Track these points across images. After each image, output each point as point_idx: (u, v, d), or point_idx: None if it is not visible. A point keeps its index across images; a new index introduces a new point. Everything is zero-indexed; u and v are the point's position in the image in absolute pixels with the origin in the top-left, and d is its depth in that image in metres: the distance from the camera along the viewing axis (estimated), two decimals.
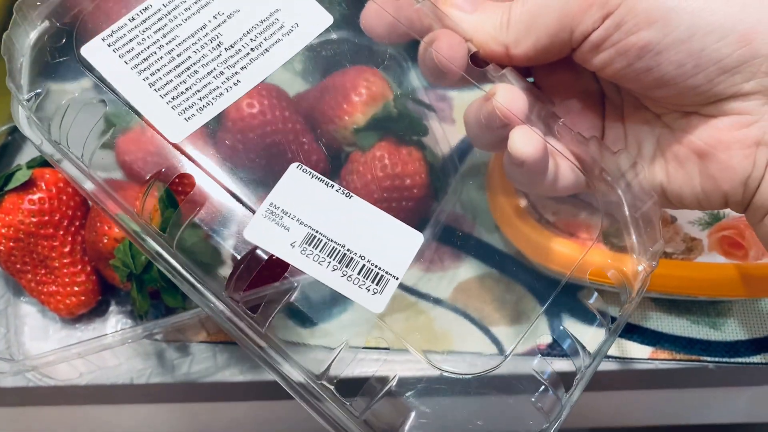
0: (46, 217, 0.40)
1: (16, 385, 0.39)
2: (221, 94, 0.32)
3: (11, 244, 0.40)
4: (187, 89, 0.32)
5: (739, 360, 0.43)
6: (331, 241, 0.31)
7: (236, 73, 0.33)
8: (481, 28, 0.32)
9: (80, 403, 0.44)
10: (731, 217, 0.42)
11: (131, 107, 0.32)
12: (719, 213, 0.43)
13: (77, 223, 0.42)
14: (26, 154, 0.47)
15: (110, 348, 0.38)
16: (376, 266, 0.31)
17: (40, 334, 0.43)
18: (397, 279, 0.31)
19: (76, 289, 0.41)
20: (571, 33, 0.29)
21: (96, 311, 0.43)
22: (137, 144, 0.43)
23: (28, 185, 0.41)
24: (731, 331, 0.43)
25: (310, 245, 0.31)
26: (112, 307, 0.44)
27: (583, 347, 0.32)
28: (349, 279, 0.31)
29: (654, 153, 0.32)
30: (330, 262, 0.31)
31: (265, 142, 0.43)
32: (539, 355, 0.33)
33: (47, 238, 0.41)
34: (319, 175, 0.33)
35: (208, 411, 0.45)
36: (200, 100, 0.32)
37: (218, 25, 0.33)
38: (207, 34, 0.33)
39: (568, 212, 0.40)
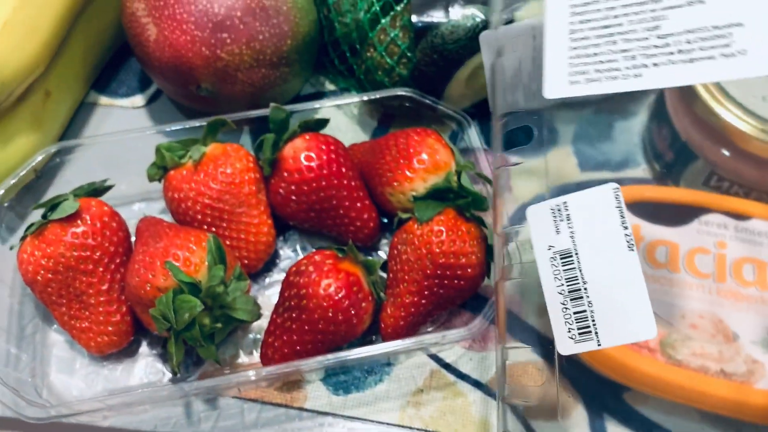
0: (87, 253, 0.39)
1: (37, 415, 0.38)
2: (616, 77, 0.30)
3: (49, 275, 0.39)
4: (593, 54, 0.31)
5: None
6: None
7: (645, 65, 0.30)
8: None
9: None
10: None
11: None
12: None
13: (118, 260, 0.41)
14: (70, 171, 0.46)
15: (137, 404, 0.36)
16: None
17: (66, 366, 0.42)
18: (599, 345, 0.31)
19: (109, 328, 0.40)
20: None
21: (126, 351, 0.42)
22: (189, 182, 0.42)
23: (72, 215, 0.39)
24: None
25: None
26: (143, 348, 0.42)
27: None
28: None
29: None
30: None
31: (319, 196, 0.42)
32: None
33: (86, 274, 0.39)
34: None
35: None
36: (596, 71, 0.30)
37: (670, 7, 0.30)
38: (653, 9, 0.30)
39: None
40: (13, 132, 0.45)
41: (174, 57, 0.44)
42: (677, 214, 0.41)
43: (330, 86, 0.55)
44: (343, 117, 0.52)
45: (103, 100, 0.54)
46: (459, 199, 0.40)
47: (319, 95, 0.54)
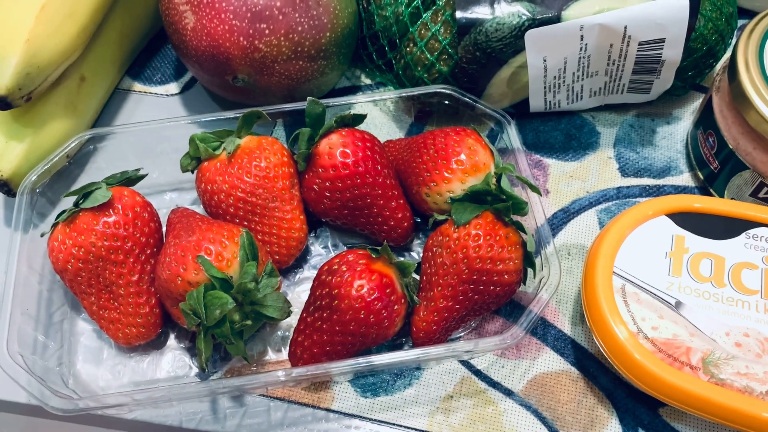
0: (119, 243, 0.39)
1: (63, 407, 0.38)
2: None
3: (79, 264, 0.39)
4: None
5: None
6: None
7: None
8: None
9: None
10: None
11: None
12: None
13: (148, 251, 0.40)
14: (102, 158, 0.46)
15: (163, 399, 0.36)
16: None
17: (92, 356, 0.42)
18: None
19: (138, 320, 0.40)
20: None
21: (153, 343, 0.41)
22: (222, 174, 0.41)
23: (104, 204, 0.39)
24: None
25: None
26: (171, 341, 0.42)
27: None
28: None
29: None
30: None
31: (354, 193, 0.41)
32: None
33: (116, 264, 0.39)
34: None
35: None
36: None
37: None
38: None
39: (668, 329, 0.37)
40: (48, 116, 0.45)
41: (211, 46, 0.43)
42: (724, 227, 0.40)
43: (366, 80, 0.54)
44: (378, 112, 0.51)
45: (138, 86, 0.53)
46: (498, 202, 0.39)
47: (355, 89, 0.53)
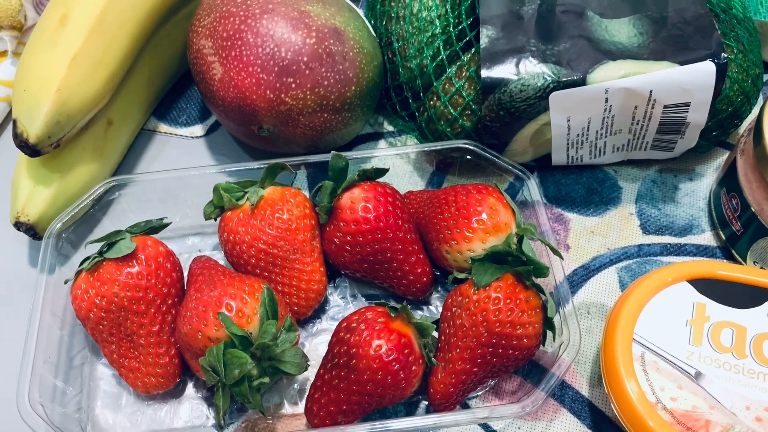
0: (141, 293, 0.39)
1: None
2: None
3: (102, 314, 0.39)
4: None
5: None
6: None
7: None
8: None
9: None
10: None
11: None
12: None
13: (170, 302, 0.40)
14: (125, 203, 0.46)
15: None
16: None
17: (111, 402, 0.42)
18: None
19: (157, 370, 0.40)
20: None
21: (171, 391, 0.42)
22: (245, 225, 0.42)
23: (128, 254, 0.39)
24: None
25: None
26: (189, 390, 0.42)
27: None
28: None
29: None
30: None
31: (374, 248, 0.41)
32: None
33: (138, 314, 0.39)
34: None
35: None
36: None
37: None
38: None
39: (687, 401, 0.36)
40: (75, 161, 0.45)
41: (238, 98, 0.44)
42: (747, 295, 0.39)
43: (389, 127, 0.54)
44: (400, 160, 0.52)
45: (163, 127, 0.54)
46: (518, 263, 0.39)
47: (378, 136, 0.54)
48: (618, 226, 0.49)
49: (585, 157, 0.48)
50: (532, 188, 0.44)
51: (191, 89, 0.56)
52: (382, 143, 0.53)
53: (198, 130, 0.54)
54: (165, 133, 0.54)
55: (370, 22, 0.52)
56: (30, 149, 0.42)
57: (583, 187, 0.50)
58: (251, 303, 0.38)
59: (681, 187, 0.50)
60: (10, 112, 0.54)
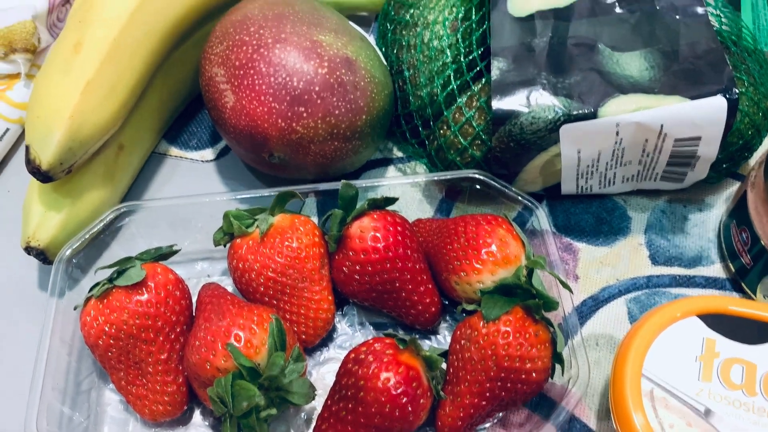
0: (150, 322, 0.39)
1: None
2: None
3: (110, 341, 0.39)
4: None
5: None
6: None
7: None
8: None
9: None
10: None
11: None
12: None
13: (178, 330, 0.40)
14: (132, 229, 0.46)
15: None
16: None
17: (118, 429, 0.42)
18: None
19: (165, 398, 0.40)
20: None
21: (179, 419, 0.42)
22: (254, 253, 0.42)
23: (138, 282, 0.40)
24: None
25: None
26: (196, 417, 0.42)
27: None
28: None
29: None
30: None
31: (383, 278, 0.41)
32: None
33: (146, 342, 0.39)
34: None
35: None
36: None
37: None
38: None
39: None
40: (86, 186, 0.46)
41: (249, 126, 0.44)
42: (757, 331, 0.39)
43: (398, 152, 0.54)
44: (409, 187, 0.52)
45: (174, 151, 0.54)
46: (528, 296, 0.39)
47: (387, 161, 0.54)
48: (627, 257, 0.48)
49: (594, 186, 0.48)
50: (541, 218, 0.44)
51: (202, 113, 0.56)
52: (391, 169, 0.53)
53: (208, 153, 0.54)
54: (175, 156, 0.54)
55: (381, 49, 0.53)
56: (42, 175, 0.42)
57: (592, 216, 0.50)
58: (260, 333, 0.38)
59: (690, 217, 0.50)
60: (23, 133, 0.55)
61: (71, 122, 0.42)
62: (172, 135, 0.55)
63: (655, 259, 0.48)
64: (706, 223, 0.50)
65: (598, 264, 0.48)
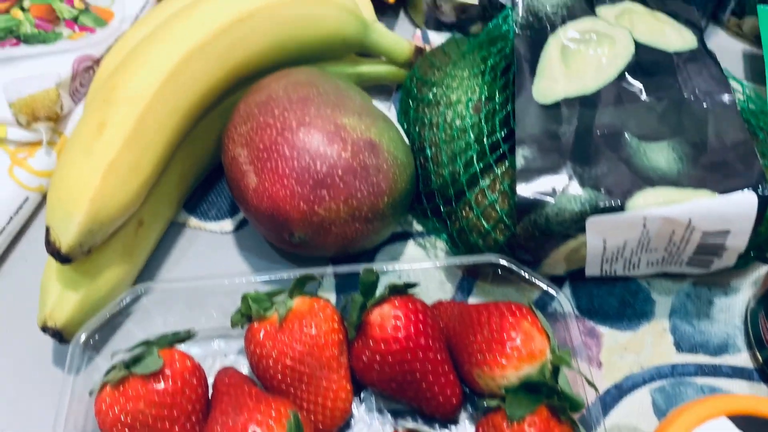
0: (166, 411, 0.39)
1: None
2: None
3: (126, 430, 0.38)
4: None
5: None
6: None
7: None
8: None
9: None
10: None
11: None
12: None
13: (194, 418, 0.40)
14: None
15: None
16: None
17: None
18: None
19: None
20: None
21: None
22: (272, 339, 0.41)
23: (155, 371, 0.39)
24: None
25: None
26: None
27: None
28: None
29: None
30: None
31: (403, 368, 0.41)
32: None
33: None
34: None
35: None
36: None
37: None
38: None
39: None
40: (104, 264, 0.45)
41: (271, 208, 0.43)
42: None
43: (418, 226, 0.53)
44: (429, 263, 0.51)
45: (193, 221, 0.54)
46: (553, 394, 0.38)
47: (407, 235, 0.53)
48: (651, 343, 0.47)
49: (619, 270, 0.47)
50: (564, 303, 0.44)
51: (222, 181, 0.56)
52: (410, 244, 0.53)
53: (228, 225, 0.54)
54: (195, 227, 0.54)
55: (402, 126, 0.52)
56: (62, 258, 0.41)
57: (616, 299, 0.49)
58: (277, 430, 0.37)
59: (716, 302, 0.49)
60: (42, 201, 0.54)
61: (92, 205, 0.41)
62: (192, 204, 0.55)
63: (679, 346, 0.47)
64: (732, 308, 0.49)
65: (622, 350, 0.47)
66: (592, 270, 0.47)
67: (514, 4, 0.48)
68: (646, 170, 0.41)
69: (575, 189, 0.41)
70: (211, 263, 0.52)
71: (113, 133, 0.43)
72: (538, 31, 0.47)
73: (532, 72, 0.45)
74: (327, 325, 0.42)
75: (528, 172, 0.42)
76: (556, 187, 0.41)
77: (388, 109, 0.60)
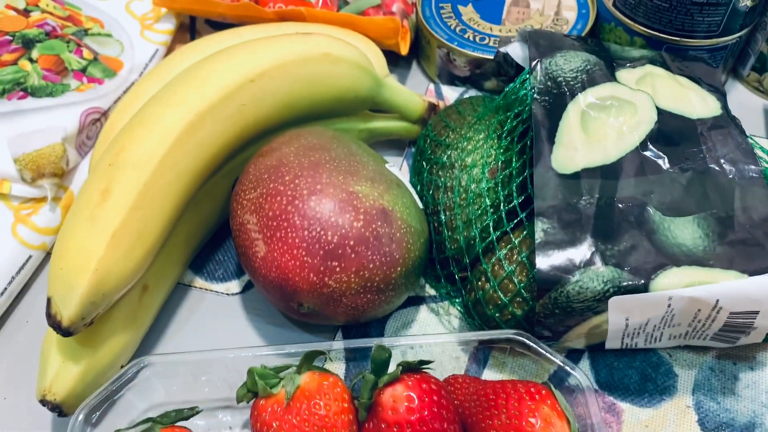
0: None
1: None
2: None
3: None
4: None
5: None
6: None
7: None
8: None
9: None
10: None
11: None
12: None
13: None
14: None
15: None
16: None
17: None
18: None
19: None
20: None
21: None
22: (279, 419, 0.39)
23: None
24: None
25: None
26: None
27: None
28: None
29: None
30: None
31: None
32: None
33: None
34: None
35: None
36: None
37: None
38: None
39: None
40: (107, 334, 0.44)
41: (280, 278, 0.42)
42: None
43: (430, 291, 0.52)
44: (442, 329, 0.49)
45: (199, 282, 0.52)
46: None
47: (419, 300, 0.51)
48: (674, 421, 0.45)
49: (640, 344, 0.45)
50: (582, 378, 0.42)
51: (229, 240, 0.55)
52: (423, 309, 0.51)
53: (234, 286, 0.52)
54: (200, 288, 0.52)
55: (415, 187, 0.51)
56: (63, 331, 0.40)
57: (636, 372, 0.47)
58: None
59: (741, 377, 0.47)
60: (45, 259, 0.53)
61: (95, 276, 0.40)
62: (198, 264, 0.53)
63: (704, 425, 0.45)
64: (759, 383, 0.47)
65: (643, 428, 0.45)
66: (612, 344, 0.45)
67: (532, 69, 0.47)
68: (671, 247, 0.40)
69: (598, 267, 0.39)
70: (217, 326, 0.50)
71: (118, 199, 0.42)
72: (557, 97, 0.46)
73: (551, 139, 0.44)
74: (336, 405, 0.40)
75: (548, 246, 0.40)
76: (578, 263, 0.40)
77: (401, 166, 0.59)
